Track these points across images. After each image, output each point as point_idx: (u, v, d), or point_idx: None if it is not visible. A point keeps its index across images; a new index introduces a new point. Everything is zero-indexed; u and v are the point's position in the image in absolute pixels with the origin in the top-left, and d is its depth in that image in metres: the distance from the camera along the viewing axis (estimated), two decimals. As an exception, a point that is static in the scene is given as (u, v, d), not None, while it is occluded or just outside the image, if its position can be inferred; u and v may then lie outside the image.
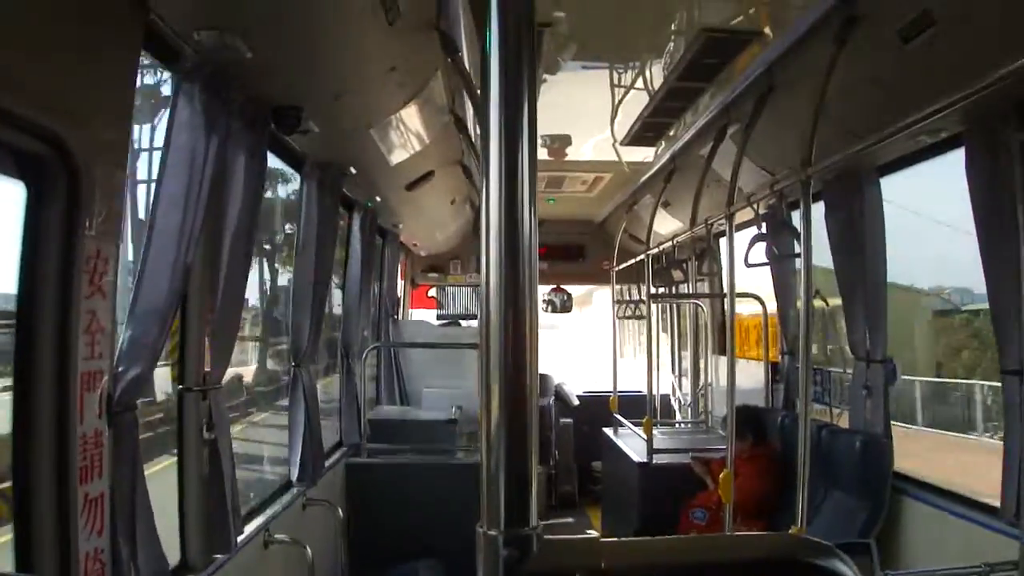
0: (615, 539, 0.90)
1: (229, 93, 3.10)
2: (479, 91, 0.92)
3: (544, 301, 11.35)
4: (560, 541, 0.90)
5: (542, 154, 6.46)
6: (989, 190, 3.56)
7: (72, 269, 2.33)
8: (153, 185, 2.84)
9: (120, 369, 2.64)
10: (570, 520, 9.60)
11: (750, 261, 4.98)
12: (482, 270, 0.91)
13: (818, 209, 5.09)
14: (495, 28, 0.92)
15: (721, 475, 4.68)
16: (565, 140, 6.22)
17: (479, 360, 0.92)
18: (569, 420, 10.37)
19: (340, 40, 3.39)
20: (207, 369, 3.40)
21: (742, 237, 5.06)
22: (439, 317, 10.87)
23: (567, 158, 6.70)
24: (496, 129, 0.91)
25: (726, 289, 5.09)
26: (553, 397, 10.57)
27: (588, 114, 5.36)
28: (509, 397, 0.89)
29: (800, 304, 4.33)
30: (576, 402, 10.67)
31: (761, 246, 4.88)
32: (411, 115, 4.59)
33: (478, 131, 5.29)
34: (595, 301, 17.79)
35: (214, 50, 2.86)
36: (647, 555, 0.91)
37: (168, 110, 2.88)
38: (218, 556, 3.48)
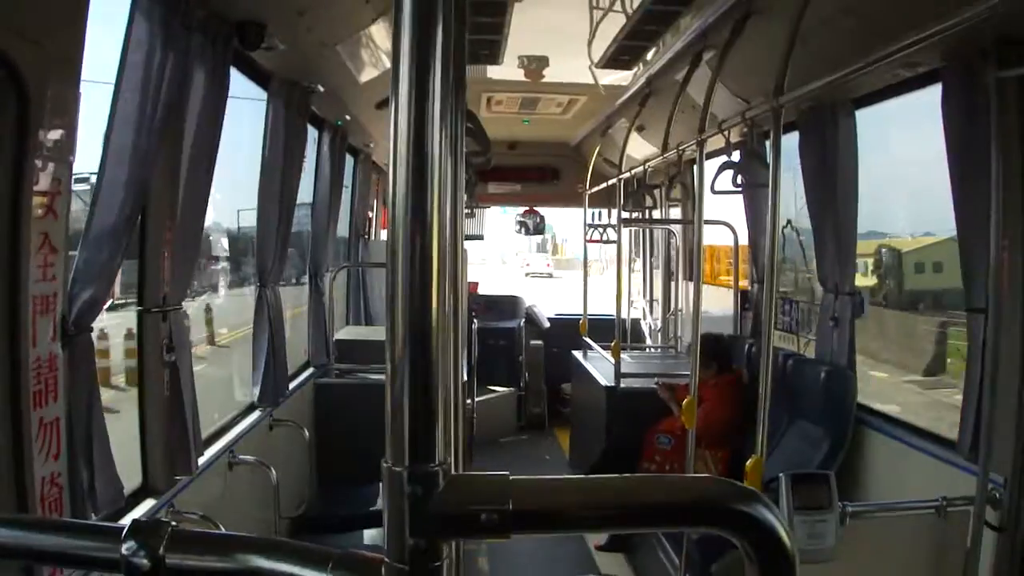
0: (526, 477, 0.86)
1: (188, 8, 2.99)
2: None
3: (517, 223, 11.27)
4: (468, 478, 0.87)
5: (519, 75, 6.35)
6: (964, 128, 3.51)
7: (22, 190, 2.28)
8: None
9: (75, 291, 2.60)
10: (524, 437, 9.77)
11: (717, 188, 4.94)
12: (390, 187, 0.85)
13: (795, 139, 5.06)
14: None
15: (684, 402, 4.71)
16: (543, 61, 6.09)
17: (387, 280, 0.86)
18: (540, 343, 10.40)
19: None
20: (166, 290, 3.35)
21: (714, 165, 5.01)
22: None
23: (544, 79, 6.58)
24: (408, 47, 0.84)
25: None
26: (524, 319, 10.59)
27: (566, 36, 5.23)
28: (413, 321, 0.84)
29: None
30: (547, 324, 10.66)
31: (729, 174, 4.83)
32: (379, 32, 4.46)
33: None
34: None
35: (169, -38, 2.75)
36: (559, 496, 0.88)
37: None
38: (180, 478, 3.49)
